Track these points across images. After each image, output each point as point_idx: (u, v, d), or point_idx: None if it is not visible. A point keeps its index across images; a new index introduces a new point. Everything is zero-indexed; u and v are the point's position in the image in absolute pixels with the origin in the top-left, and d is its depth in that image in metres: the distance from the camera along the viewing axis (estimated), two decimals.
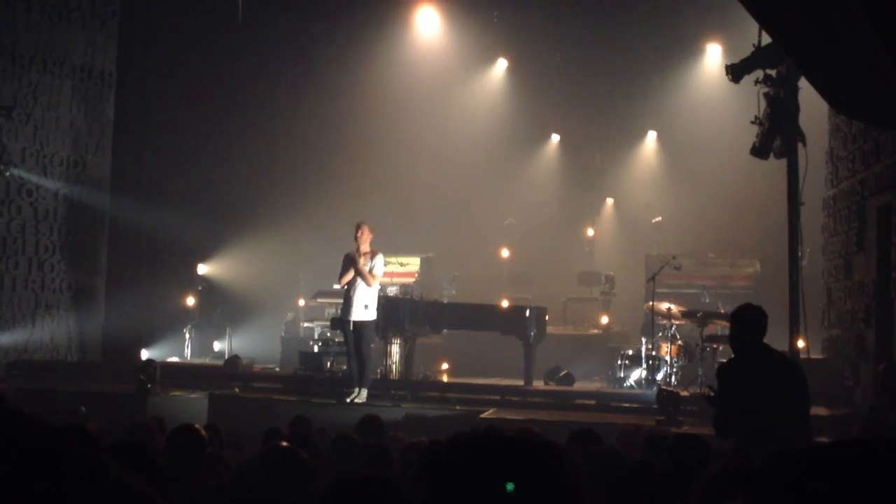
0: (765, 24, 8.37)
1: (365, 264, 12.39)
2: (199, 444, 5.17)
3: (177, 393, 12.96)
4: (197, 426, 5.46)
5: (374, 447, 5.84)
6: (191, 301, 18.82)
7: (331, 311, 17.24)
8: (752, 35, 9.94)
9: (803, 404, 6.47)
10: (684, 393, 11.98)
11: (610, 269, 20.47)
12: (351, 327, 12.43)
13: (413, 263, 19.57)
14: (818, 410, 7.97)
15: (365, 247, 12.47)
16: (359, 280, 12.39)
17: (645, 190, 22.11)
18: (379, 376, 13.77)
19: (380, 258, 12.58)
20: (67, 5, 16.13)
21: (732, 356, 6.98)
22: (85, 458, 2.29)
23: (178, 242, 17.83)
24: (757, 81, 10.11)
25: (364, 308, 12.41)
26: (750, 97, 10.48)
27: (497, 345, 15.26)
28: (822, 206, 13.30)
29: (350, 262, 12.48)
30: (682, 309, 14.46)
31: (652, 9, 18.77)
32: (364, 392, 12.43)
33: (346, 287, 12.57)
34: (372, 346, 12.94)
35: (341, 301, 13.25)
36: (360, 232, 12.48)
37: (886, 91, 7.35)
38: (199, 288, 19.11)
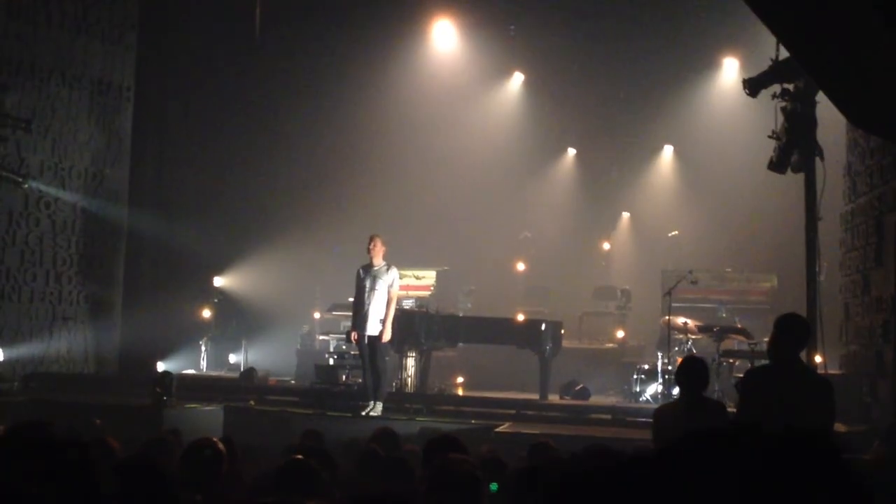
0: (781, 37, 8.35)
1: (377, 279, 12.41)
2: (216, 458, 5.17)
3: (192, 405, 12.94)
4: (215, 440, 5.46)
5: (395, 461, 5.84)
6: (207, 313, 18.87)
7: (346, 324, 17.17)
8: (770, 49, 9.91)
9: (825, 427, 6.39)
10: None
11: (626, 283, 20.42)
12: (366, 341, 12.43)
13: (429, 277, 19.58)
14: (836, 427, 7.91)
15: (378, 260, 12.47)
16: (374, 294, 12.38)
17: (661, 204, 22.07)
18: (394, 390, 13.75)
19: (395, 272, 12.58)
20: (86, 19, 16.24)
21: (762, 364, 6.97)
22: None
23: (195, 255, 17.90)
24: (774, 96, 10.06)
25: (379, 322, 12.39)
26: (767, 111, 10.44)
27: (512, 359, 15.24)
28: (839, 221, 13.23)
29: (360, 278, 12.53)
30: (698, 323, 14.41)
31: (668, 23, 18.77)
32: (379, 406, 12.41)
33: (359, 300, 12.56)
34: (387, 359, 12.92)
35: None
36: (372, 245, 12.48)
37: None
38: (216, 300, 19.16)
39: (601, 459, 2.18)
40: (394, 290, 12.51)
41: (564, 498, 1.99)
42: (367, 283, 12.41)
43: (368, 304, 12.39)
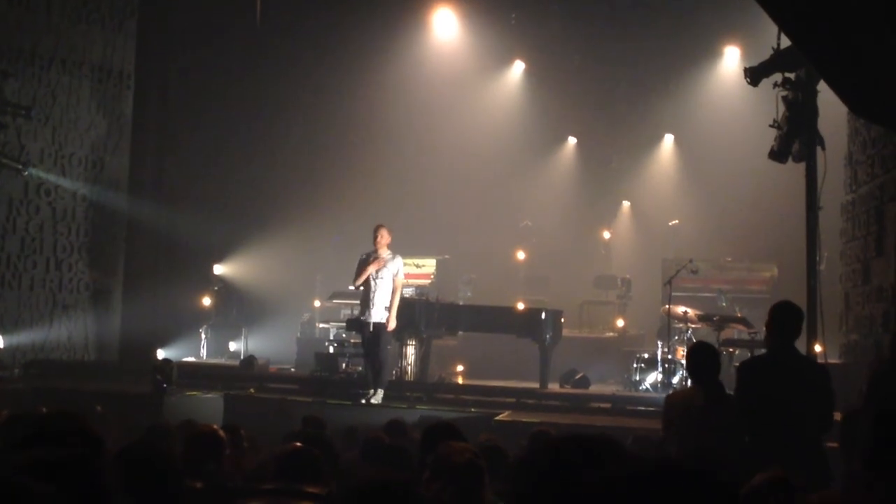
0: (783, 26, 8.34)
1: (382, 268, 12.40)
2: (217, 445, 5.18)
3: (193, 393, 12.96)
4: (215, 427, 5.48)
5: (396, 448, 5.86)
6: (207, 301, 18.86)
7: (346, 312, 17.25)
8: (771, 38, 9.88)
9: (825, 413, 6.39)
10: None
11: (626, 272, 20.41)
12: (370, 329, 12.45)
13: (429, 265, 19.58)
14: (835, 415, 7.95)
15: (383, 251, 12.46)
16: (379, 282, 12.39)
17: (662, 193, 22.06)
18: (394, 378, 13.77)
19: (399, 260, 12.59)
20: (87, 6, 16.21)
21: (758, 353, 6.93)
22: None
23: (195, 243, 17.89)
24: (775, 85, 10.05)
25: (384, 309, 12.42)
26: (768, 100, 10.42)
27: (512, 347, 15.25)
28: (840, 210, 13.23)
29: (365, 264, 12.48)
30: (698, 313, 14.42)
31: (670, 12, 18.72)
32: (380, 393, 12.43)
33: (364, 288, 12.56)
34: (389, 348, 12.95)
35: (357, 302, 13.27)
36: (379, 236, 12.45)
37: None
38: (216, 288, 19.15)
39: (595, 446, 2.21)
40: (398, 278, 12.54)
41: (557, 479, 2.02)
42: (373, 271, 12.41)
43: (374, 292, 12.40)
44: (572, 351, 15.72)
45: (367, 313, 12.48)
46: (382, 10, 19.16)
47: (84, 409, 9.15)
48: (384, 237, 12.42)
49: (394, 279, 12.47)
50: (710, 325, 13.99)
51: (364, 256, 12.57)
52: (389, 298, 12.44)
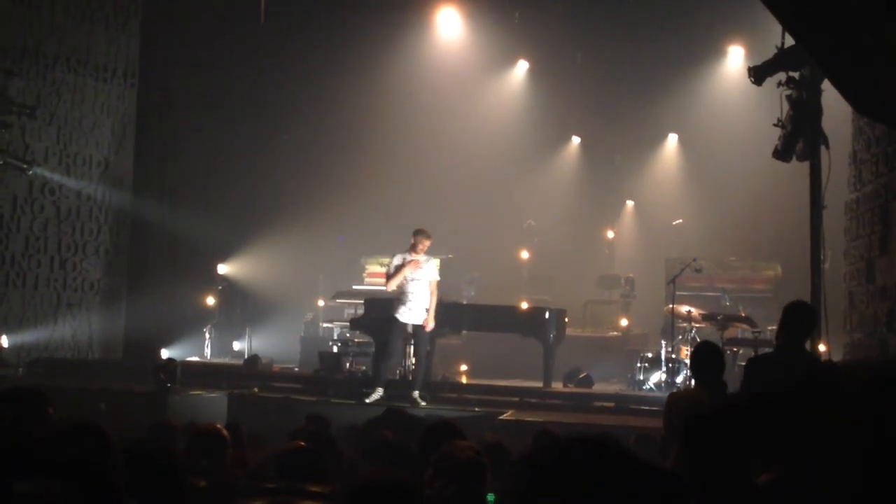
0: (787, 25, 8.33)
1: (418, 269, 12.45)
2: (220, 444, 5.19)
3: (197, 392, 12.98)
4: (219, 426, 5.48)
5: (400, 446, 5.86)
6: (211, 300, 18.88)
7: (350, 312, 17.25)
8: (775, 37, 9.87)
9: None
10: None
11: (630, 271, 20.41)
12: (408, 329, 12.55)
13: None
14: None
15: (422, 256, 12.53)
16: (416, 283, 12.46)
17: (665, 192, 22.04)
18: (398, 377, 13.78)
19: (433, 262, 12.76)
20: (90, 5, 16.23)
21: (767, 351, 6.93)
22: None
23: (200, 242, 17.91)
24: (779, 84, 10.03)
25: (423, 311, 12.51)
26: (772, 99, 10.41)
27: (516, 346, 15.24)
28: (844, 209, 13.20)
29: (400, 266, 12.53)
30: (702, 312, 14.41)
31: (674, 10, 18.70)
32: (417, 393, 12.54)
33: (399, 290, 12.61)
34: (428, 349, 13.08)
35: (360, 302, 13.24)
36: (420, 244, 12.47)
37: None
38: (220, 287, 19.17)
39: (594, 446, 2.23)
40: (434, 279, 12.62)
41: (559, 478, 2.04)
42: (409, 273, 12.47)
43: (412, 293, 12.47)
44: (576, 350, 15.70)
45: (405, 314, 12.54)
46: (386, 9, 19.15)
47: (88, 408, 9.18)
48: (424, 245, 12.47)
49: (430, 280, 12.55)
50: (714, 324, 13.98)
51: (399, 259, 12.61)
52: (428, 300, 12.50)
